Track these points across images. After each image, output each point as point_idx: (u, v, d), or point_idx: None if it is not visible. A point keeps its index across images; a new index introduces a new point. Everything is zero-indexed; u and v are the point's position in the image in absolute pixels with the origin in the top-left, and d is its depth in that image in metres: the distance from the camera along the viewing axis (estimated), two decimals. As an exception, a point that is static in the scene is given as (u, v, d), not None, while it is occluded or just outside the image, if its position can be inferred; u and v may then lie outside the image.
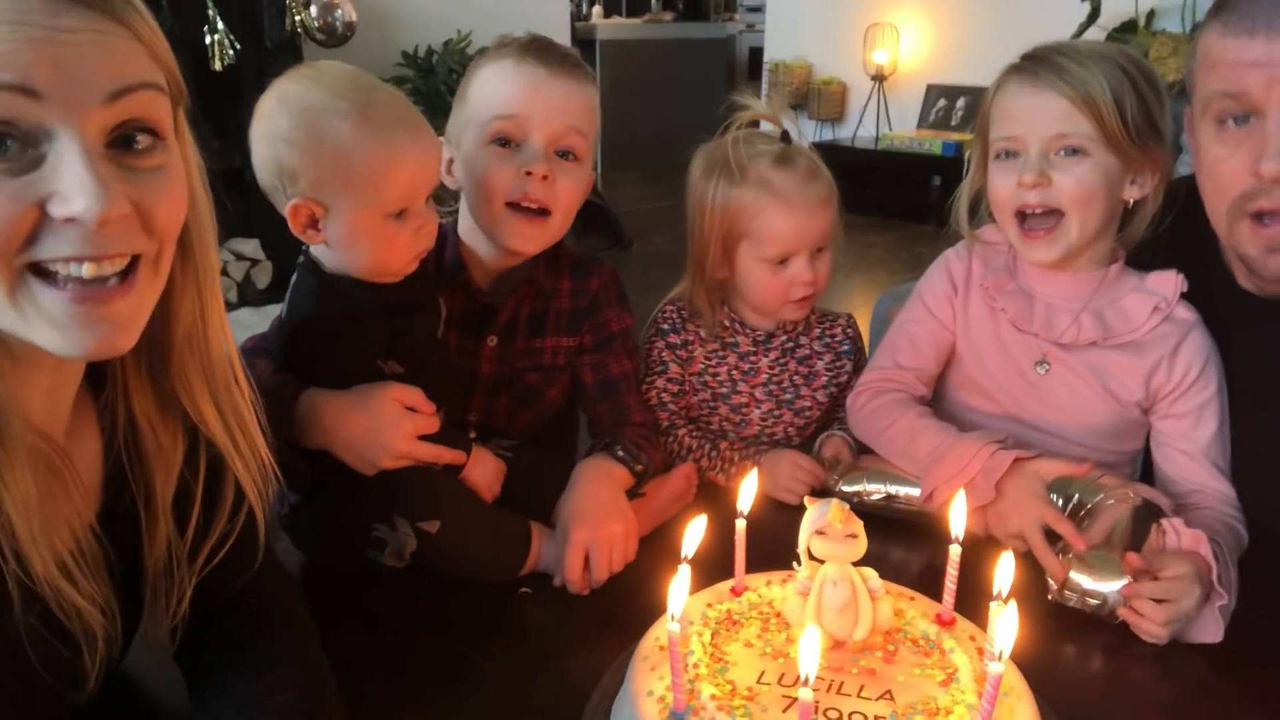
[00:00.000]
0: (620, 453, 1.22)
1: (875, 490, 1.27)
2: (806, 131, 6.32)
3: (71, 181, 0.61)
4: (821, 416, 1.46)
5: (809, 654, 0.62)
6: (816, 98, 6.36)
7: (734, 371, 1.43)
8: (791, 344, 1.45)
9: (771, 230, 1.33)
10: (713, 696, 0.73)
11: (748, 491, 0.89)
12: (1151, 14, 4.70)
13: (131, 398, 0.76)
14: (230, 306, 3.22)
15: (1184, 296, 1.20)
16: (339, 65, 1.05)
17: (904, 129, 5.93)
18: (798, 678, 0.62)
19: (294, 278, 1.10)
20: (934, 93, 5.87)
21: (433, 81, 4.37)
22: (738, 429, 1.44)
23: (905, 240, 5.30)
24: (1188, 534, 1.02)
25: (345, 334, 1.07)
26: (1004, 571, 0.75)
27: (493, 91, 1.21)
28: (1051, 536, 1.09)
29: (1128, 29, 4.67)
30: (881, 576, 0.84)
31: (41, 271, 0.63)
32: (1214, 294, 1.20)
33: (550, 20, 5.24)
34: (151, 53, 0.66)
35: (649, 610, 0.84)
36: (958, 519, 0.86)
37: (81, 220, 0.61)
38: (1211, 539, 1.03)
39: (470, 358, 1.29)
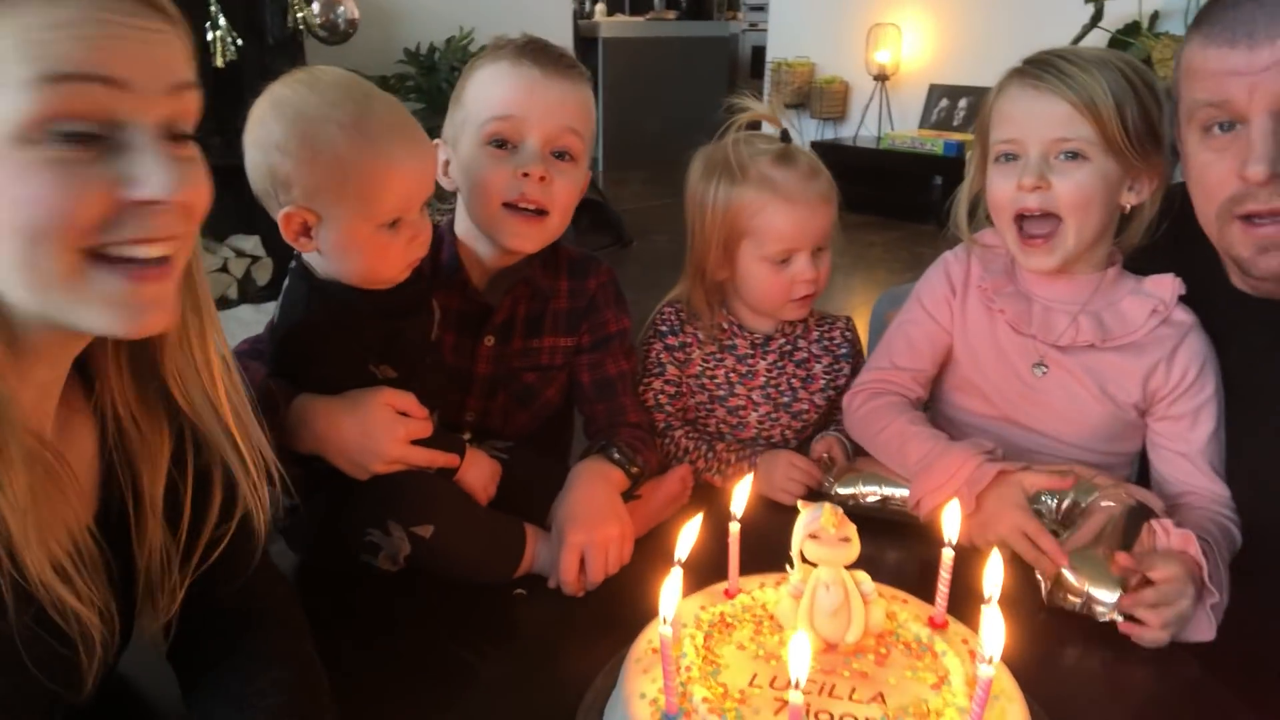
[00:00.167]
0: (616, 455, 1.22)
1: (870, 492, 1.27)
2: (808, 131, 6.32)
3: (149, 165, 0.65)
4: (819, 419, 1.46)
5: (799, 658, 0.62)
6: (819, 97, 6.36)
7: (731, 374, 1.43)
8: (789, 347, 1.45)
9: (774, 227, 1.33)
10: (704, 699, 0.73)
11: (741, 494, 0.89)
12: (1155, 16, 4.69)
13: (114, 393, 0.77)
14: (230, 303, 3.24)
15: (1181, 299, 1.21)
16: (335, 71, 1.04)
17: (906, 129, 5.94)
18: (789, 680, 0.63)
19: (285, 283, 1.10)
20: (936, 93, 5.87)
21: (434, 79, 4.38)
22: (735, 431, 1.44)
23: (905, 240, 5.30)
24: (1177, 534, 1.02)
25: (337, 339, 1.06)
26: (993, 573, 0.75)
27: (489, 93, 1.21)
28: None
29: (1131, 31, 4.66)
30: (875, 579, 0.84)
31: (97, 255, 0.65)
32: (1211, 297, 1.20)
33: (553, 18, 5.24)
34: (191, 54, 0.70)
35: (643, 612, 0.83)
36: (951, 523, 0.86)
37: (159, 202, 0.65)
38: (1201, 537, 1.03)
39: (467, 358, 1.29)
